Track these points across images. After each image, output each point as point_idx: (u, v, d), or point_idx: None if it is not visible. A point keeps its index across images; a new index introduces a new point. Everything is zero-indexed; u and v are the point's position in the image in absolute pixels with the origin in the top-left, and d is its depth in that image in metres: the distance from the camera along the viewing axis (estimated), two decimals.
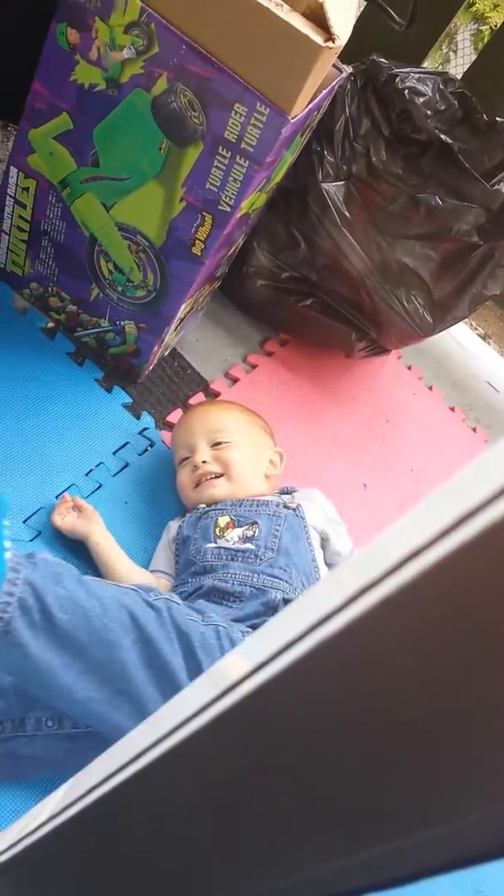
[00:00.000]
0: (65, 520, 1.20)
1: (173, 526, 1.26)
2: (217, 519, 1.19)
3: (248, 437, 1.30)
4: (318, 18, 0.99)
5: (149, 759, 0.40)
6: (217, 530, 1.18)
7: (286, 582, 1.09)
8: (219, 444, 1.27)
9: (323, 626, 0.29)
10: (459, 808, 0.31)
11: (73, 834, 0.48)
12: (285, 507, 1.21)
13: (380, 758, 0.33)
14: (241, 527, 1.18)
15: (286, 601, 1.06)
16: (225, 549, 1.15)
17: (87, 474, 1.30)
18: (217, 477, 1.25)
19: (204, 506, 1.23)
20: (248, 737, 0.36)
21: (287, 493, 1.27)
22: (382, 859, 0.36)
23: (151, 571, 1.22)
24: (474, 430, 1.81)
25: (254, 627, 1.02)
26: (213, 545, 1.16)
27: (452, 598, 0.26)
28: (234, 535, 1.17)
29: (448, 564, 0.25)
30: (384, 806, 0.34)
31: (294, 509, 1.20)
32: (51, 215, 1.28)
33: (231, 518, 1.19)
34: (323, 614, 0.29)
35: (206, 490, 1.24)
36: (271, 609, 1.05)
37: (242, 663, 0.33)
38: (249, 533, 1.17)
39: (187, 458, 1.28)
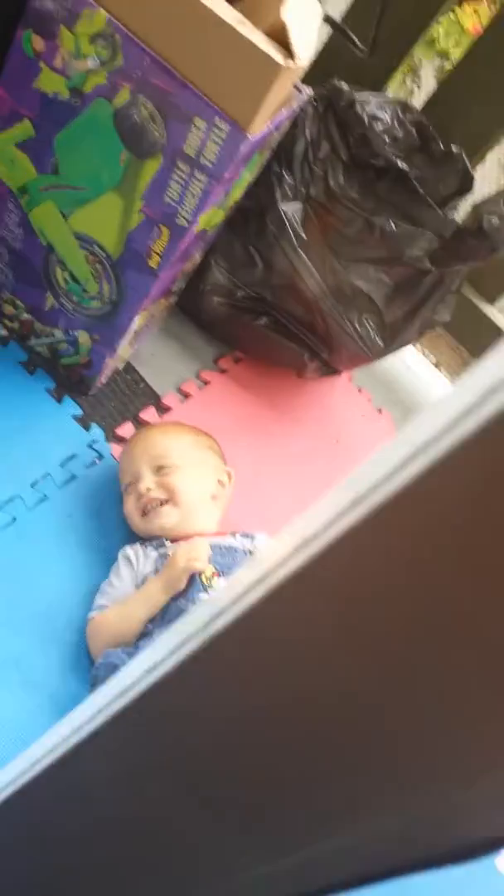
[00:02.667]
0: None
1: (136, 557, 1.22)
2: None
3: (192, 459, 1.29)
4: (281, 38, 1.00)
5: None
6: (203, 579, 1.15)
7: None
8: (162, 468, 1.25)
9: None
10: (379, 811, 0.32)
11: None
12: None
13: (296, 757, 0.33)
14: (226, 577, 1.16)
15: None
16: None
17: (32, 485, 1.28)
18: (162, 504, 1.24)
19: (167, 541, 1.22)
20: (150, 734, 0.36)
21: (247, 537, 1.26)
22: (303, 866, 0.36)
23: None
24: None
25: None
26: (206, 595, 1.13)
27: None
28: (220, 586, 1.15)
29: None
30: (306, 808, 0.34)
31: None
32: (8, 222, 1.28)
33: (215, 568, 1.17)
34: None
35: (155, 520, 1.23)
36: None
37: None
38: None
39: (132, 485, 1.26)
